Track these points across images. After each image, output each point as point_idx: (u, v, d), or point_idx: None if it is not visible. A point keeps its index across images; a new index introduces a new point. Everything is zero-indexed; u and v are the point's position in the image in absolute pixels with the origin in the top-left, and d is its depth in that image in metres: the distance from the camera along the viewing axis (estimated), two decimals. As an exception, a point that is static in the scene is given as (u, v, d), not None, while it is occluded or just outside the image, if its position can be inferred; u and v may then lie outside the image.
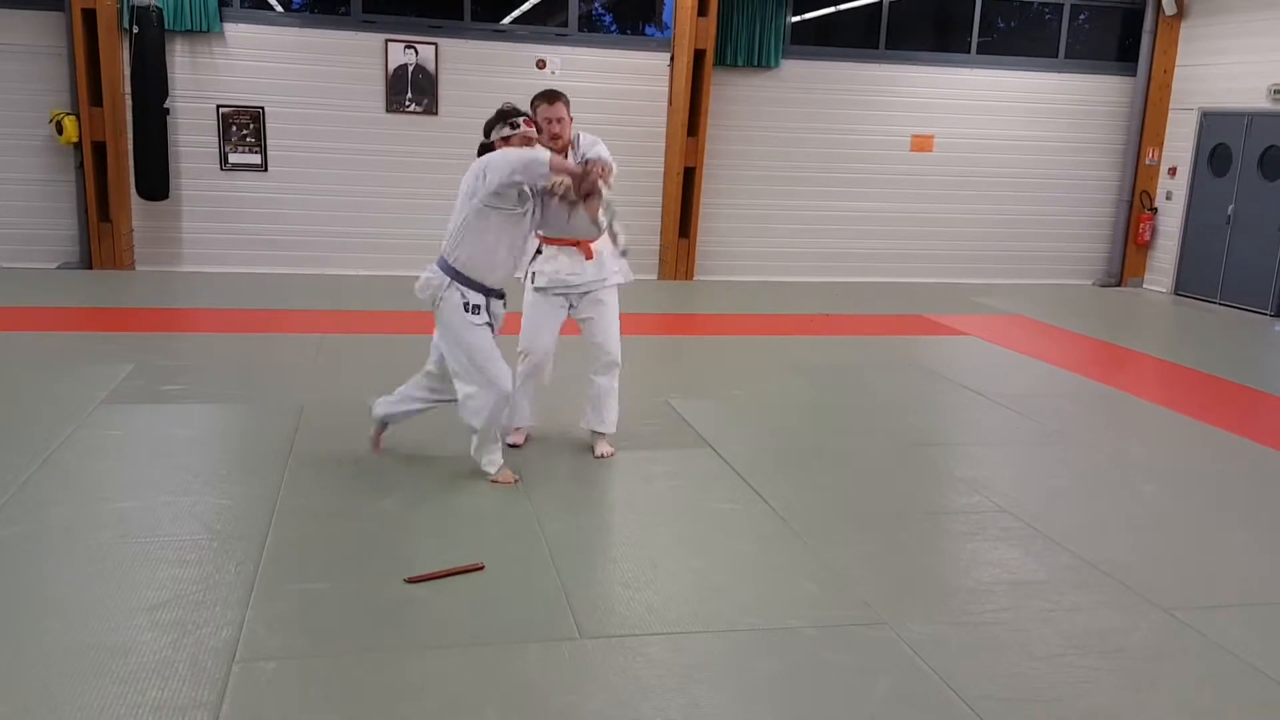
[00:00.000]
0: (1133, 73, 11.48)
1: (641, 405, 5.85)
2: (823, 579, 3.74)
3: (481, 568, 3.63)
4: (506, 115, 4.44)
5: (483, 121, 4.70)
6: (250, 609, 3.25)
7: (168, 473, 4.41)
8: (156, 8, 9.04)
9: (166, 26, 9.23)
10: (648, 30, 11.01)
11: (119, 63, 9.21)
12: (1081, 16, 11.59)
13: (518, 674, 2.98)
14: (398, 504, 4.21)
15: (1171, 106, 11.41)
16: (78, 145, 9.23)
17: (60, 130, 9.12)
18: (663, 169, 10.58)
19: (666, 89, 10.50)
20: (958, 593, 3.68)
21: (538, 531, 4.01)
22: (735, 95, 10.67)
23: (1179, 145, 11.35)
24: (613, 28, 11.00)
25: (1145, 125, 11.48)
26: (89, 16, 8.88)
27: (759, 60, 10.57)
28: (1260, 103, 10.29)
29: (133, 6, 8.98)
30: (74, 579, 3.42)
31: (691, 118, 10.27)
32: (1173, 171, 11.45)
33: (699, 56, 10.07)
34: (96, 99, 9.14)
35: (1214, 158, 10.97)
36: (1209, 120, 11.02)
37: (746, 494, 4.56)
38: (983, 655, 3.23)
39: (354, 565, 3.62)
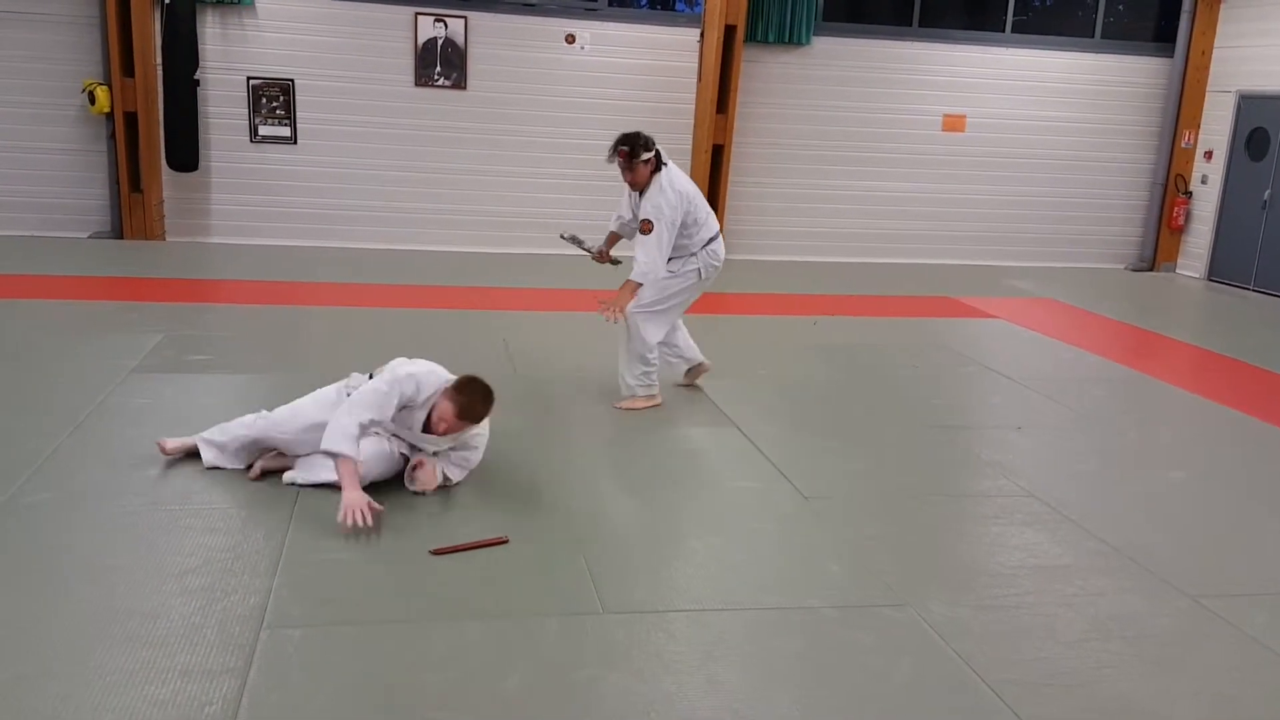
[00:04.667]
0: (1170, 54, 11.30)
1: (667, 383, 5.85)
2: (845, 559, 3.73)
3: (506, 541, 3.65)
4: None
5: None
6: (277, 577, 3.29)
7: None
8: (188, -22, 9.06)
9: (198, -2, 9.26)
10: (678, 5, 10.94)
11: (151, 33, 9.25)
12: (1119, -4, 11.41)
13: (540, 647, 3.00)
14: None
15: (1209, 89, 11.23)
16: (110, 115, 9.30)
17: (92, 100, 9.18)
18: (691, 146, 10.53)
19: (696, 65, 10.43)
20: (981, 576, 3.67)
21: (563, 507, 4.02)
22: (765, 72, 10.59)
23: (1216, 128, 11.18)
24: (644, 2, 10.93)
25: (1181, 107, 11.30)
26: (122, -14, 8.92)
27: (790, 37, 10.48)
28: (1301, 86, 10.11)
29: (165, -23, 9.01)
30: (104, 545, 3.47)
31: (721, 95, 10.20)
32: (1209, 155, 11.28)
33: (729, 32, 9.98)
34: (129, 69, 9.18)
35: (1251, 141, 10.79)
36: (1247, 103, 10.84)
37: (770, 473, 4.55)
38: (1006, 639, 3.22)
39: (378, 537, 3.65)
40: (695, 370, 5.82)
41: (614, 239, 5.72)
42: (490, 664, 2.89)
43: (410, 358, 4.14)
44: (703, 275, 5.39)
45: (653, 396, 5.46)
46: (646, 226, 5.14)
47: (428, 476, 3.99)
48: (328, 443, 3.74)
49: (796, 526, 4.02)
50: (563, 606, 3.25)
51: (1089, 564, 3.81)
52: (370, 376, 4.04)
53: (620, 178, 5.33)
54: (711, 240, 5.39)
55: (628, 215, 5.48)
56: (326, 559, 3.45)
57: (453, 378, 4.04)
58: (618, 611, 3.23)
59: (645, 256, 5.16)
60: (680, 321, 5.65)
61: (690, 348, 5.74)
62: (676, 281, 5.35)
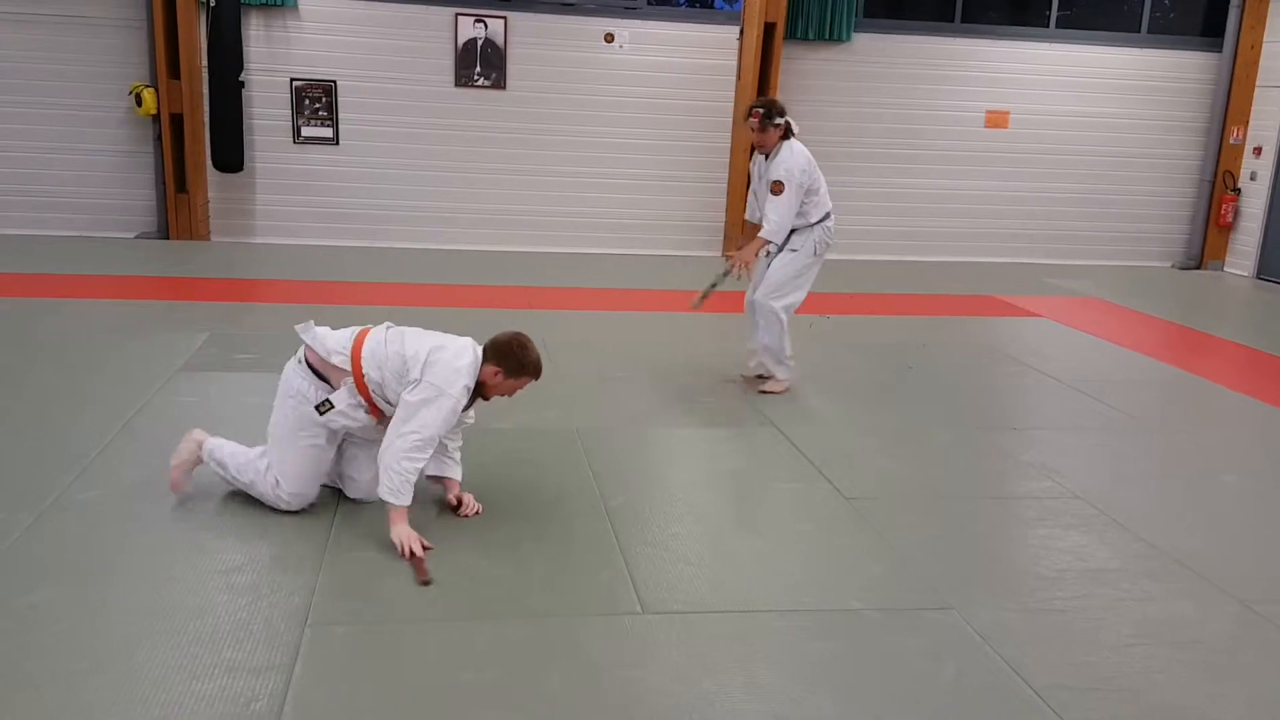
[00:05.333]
0: (1218, 49, 11.09)
1: (706, 383, 5.85)
2: (888, 561, 3.70)
3: (428, 583, 3.32)
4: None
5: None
6: (320, 575, 3.32)
7: (243, 440, 4.47)
8: (233, -18, 9.17)
9: (243, 0, 9.36)
10: (718, 3, 10.90)
11: (196, 36, 9.38)
12: (1166, -11, 11.23)
13: (579, 647, 3.01)
14: (460, 476, 4.25)
15: (1258, 84, 11.01)
16: (156, 117, 9.44)
17: (139, 102, 9.32)
18: (730, 144, 10.50)
19: (735, 63, 10.40)
20: (1027, 579, 3.63)
21: (601, 507, 4.02)
22: (806, 69, 10.53)
23: (1265, 124, 10.95)
24: (682, 1, 10.91)
25: (1230, 103, 11.08)
26: (168, -10, 9.05)
27: (831, 34, 10.41)
28: (1355, 80, 9.89)
29: (210, -19, 9.13)
30: (151, 543, 3.52)
31: (760, 92, 10.13)
32: (1258, 151, 11.06)
33: (769, 30, 9.94)
34: (175, 72, 9.32)
35: (1303, 137, 10.58)
36: (1299, 98, 10.62)
37: (810, 474, 4.53)
38: (1052, 643, 3.18)
39: (419, 534, 3.66)
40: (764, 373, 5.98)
41: (752, 230, 5.88)
42: (531, 663, 2.90)
43: (397, 326, 3.80)
44: (818, 251, 5.68)
45: (787, 382, 5.75)
46: (777, 187, 5.44)
47: (470, 504, 3.90)
48: (390, 494, 3.50)
49: (837, 527, 3.99)
50: (602, 606, 3.26)
51: (1137, 567, 3.74)
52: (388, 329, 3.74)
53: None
54: (826, 217, 5.68)
55: (753, 201, 5.84)
56: (368, 557, 3.47)
57: (474, 347, 3.74)
58: (657, 612, 3.23)
59: (775, 215, 5.47)
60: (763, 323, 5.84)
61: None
62: (799, 258, 5.64)
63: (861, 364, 6.52)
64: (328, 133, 9.99)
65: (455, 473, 3.93)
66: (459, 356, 3.65)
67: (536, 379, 3.81)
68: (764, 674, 2.91)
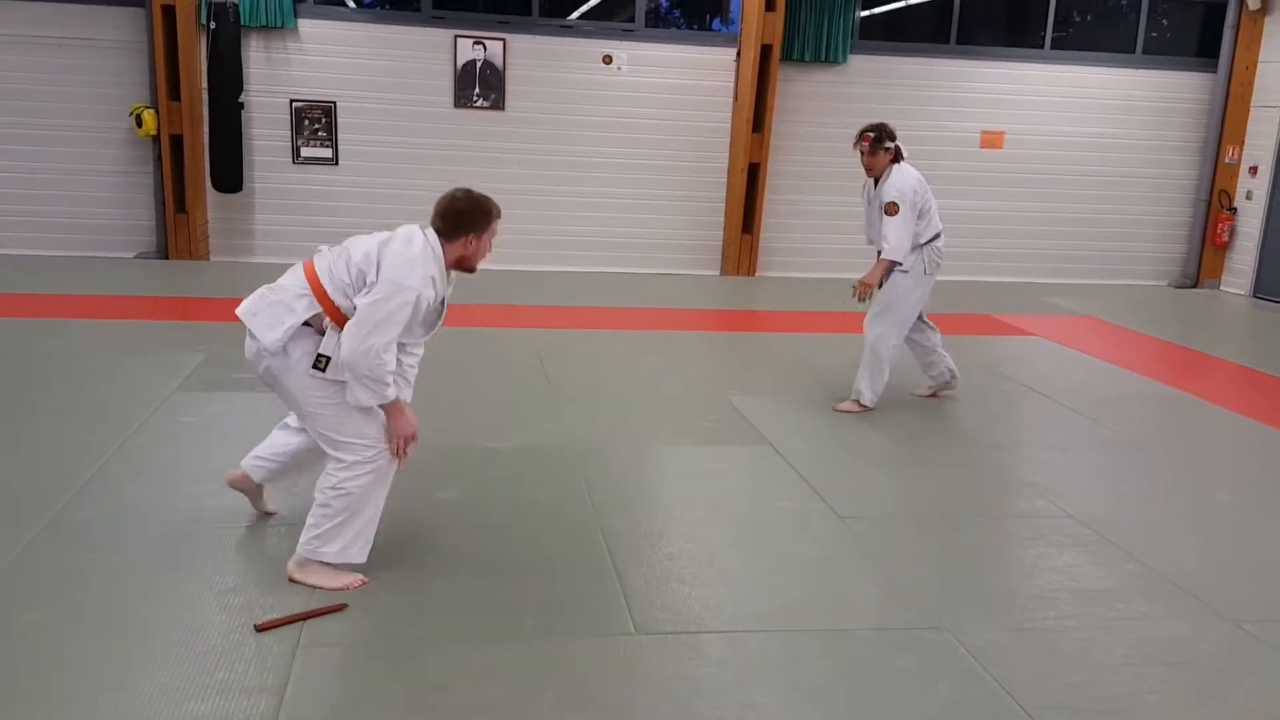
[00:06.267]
0: (1213, 69, 11.17)
1: (702, 401, 5.87)
2: (881, 581, 3.71)
3: (344, 608, 3.24)
4: None
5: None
6: (315, 595, 3.32)
7: (238, 459, 4.51)
8: (233, 4, 9.25)
9: (242, 22, 9.44)
10: (715, 25, 10.98)
11: (196, 58, 9.45)
12: (1165, 11, 11.29)
13: (574, 667, 3.01)
14: (458, 495, 4.27)
15: (1253, 104, 11.08)
16: (156, 138, 9.50)
17: (139, 123, 9.38)
18: (727, 165, 10.56)
19: (732, 85, 10.47)
20: (1019, 598, 3.63)
21: (595, 526, 4.04)
22: (802, 91, 10.60)
23: (1260, 143, 11.02)
24: (680, 22, 10.99)
25: (1225, 123, 11.16)
26: (169, 12, 9.11)
27: (826, 55, 10.49)
28: (1348, 100, 9.95)
29: (210, 3, 9.20)
30: (147, 562, 3.53)
31: (757, 113, 10.22)
32: (1253, 170, 11.12)
33: (765, 52, 10.02)
34: (175, 93, 9.38)
35: (1297, 157, 10.63)
36: (1293, 118, 10.68)
37: (805, 493, 4.54)
38: (1044, 663, 3.18)
39: (414, 555, 3.68)
40: (943, 387, 6.15)
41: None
42: (524, 684, 2.90)
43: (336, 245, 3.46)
44: (927, 270, 5.74)
45: (868, 406, 5.82)
46: (892, 208, 5.54)
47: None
48: (371, 398, 3.21)
49: (832, 547, 4.00)
50: (596, 627, 3.26)
51: (1130, 587, 3.75)
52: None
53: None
54: (935, 237, 5.74)
55: (868, 227, 5.92)
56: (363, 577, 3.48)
57: (420, 230, 3.41)
58: (651, 632, 3.23)
59: (894, 235, 5.55)
60: (938, 339, 6.02)
61: (945, 359, 6.06)
62: (907, 280, 5.69)
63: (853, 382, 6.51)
64: (327, 153, 10.05)
65: (406, 394, 3.56)
66: (409, 244, 3.30)
67: (500, 216, 3.48)
68: (758, 695, 2.92)
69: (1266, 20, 10.90)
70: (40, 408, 5.18)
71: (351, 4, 10.14)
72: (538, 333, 7.46)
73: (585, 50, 10.27)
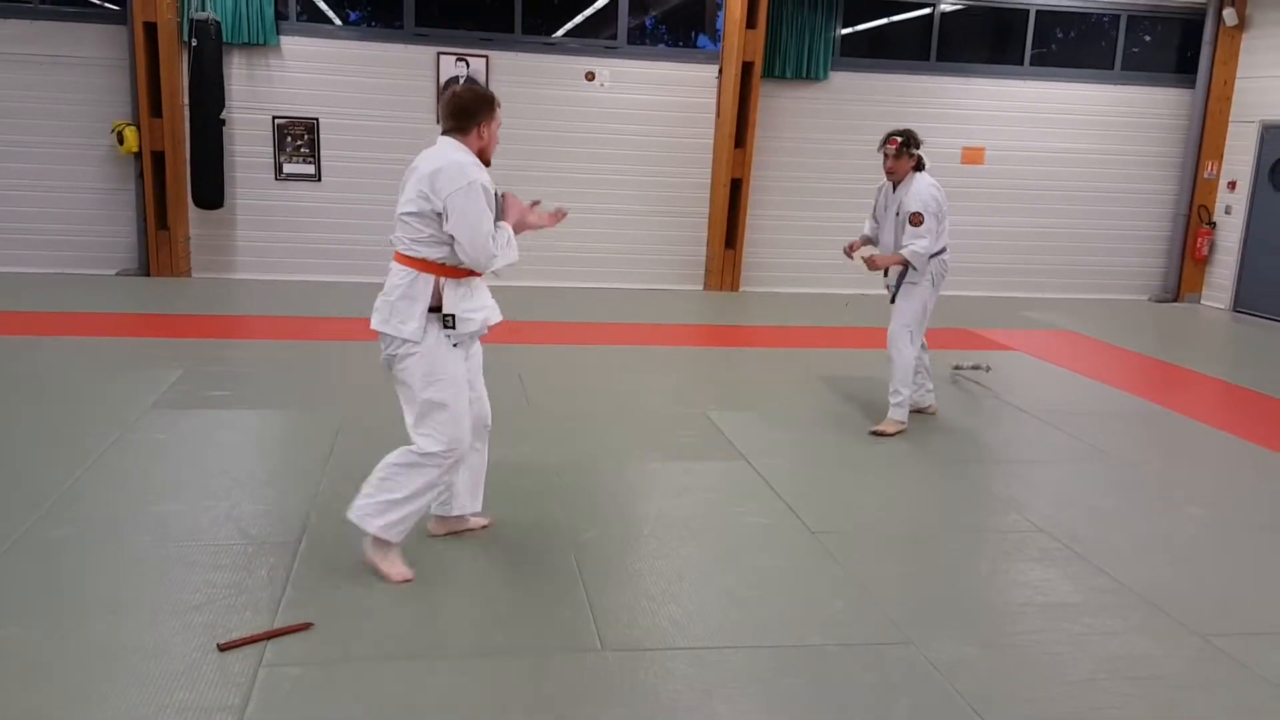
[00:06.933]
0: (1191, 84, 11.26)
1: (679, 417, 5.87)
2: (851, 596, 3.71)
3: (309, 626, 3.24)
4: None
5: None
6: (279, 614, 3.31)
7: (209, 477, 4.51)
8: (215, 21, 9.25)
9: (224, 40, 9.45)
10: (700, 40, 11.03)
11: (178, 75, 9.45)
12: (1143, 28, 11.39)
13: (539, 684, 3.00)
14: (428, 513, 4.25)
15: (1231, 119, 11.18)
16: (138, 155, 9.48)
17: (121, 140, 9.37)
18: (710, 180, 10.59)
19: (715, 101, 10.51)
20: (988, 613, 3.64)
21: (568, 543, 4.03)
22: (784, 107, 10.65)
23: (1239, 158, 11.11)
24: (665, 38, 11.04)
25: (1204, 138, 11.25)
26: (150, 30, 9.12)
27: (808, 72, 10.55)
28: (1324, 115, 10.03)
29: (192, 20, 9.21)
30: (114, 581, 3.51)
31: (739, 130, 10.26)
32: (1232, 185, 11.20)
33: (747, 69, 10.07)
34: (156, 110, 9.38)
35: (1275, 171, 10.71)
36: (1270, 133, 10.76)
37: (779, 508, 4.54)
38: (1011, 678, 3.18)
39: (405, 567, 3.66)
40: (925, 408, 6.22)
41: (866, 241, 6.14)
42: (489, 702, 2.89)
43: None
44: (935, 282, 5.83)
45: (903, 423, 5.81)
46: (917, 219, 5.59)
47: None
48: (504, 260, 3.63)
49: (803, 562, 4.00)
50: (563, 643, 3.25)
51: (1099, 602, 3.76)
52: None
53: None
54: (943, 250, 5.79)
55: (871, 225, 6.05)
56: (328, 596, 3.46)
57: (440, 140, 3.70)
58: (617, 649, 3.22)
59: (919, 241, 5.59)
60: (927, 359, 6.14)
61: (929, 382, 6.21)
62: (918, 291, 5.78)
63: (834, 396, 6.54)
64: (310, 169, 10.05)
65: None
66: (440, 155, 3.58)
67: (500, 104, 3.79)
68: (723, 712, 2.91)
69: (1244, 36, 11.00)
70: (12, 425, 5.15)
71: (336, 21, 10.16)
72: (519, 347, 7.45)
73: (568, 67, 10.30)
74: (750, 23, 9.94)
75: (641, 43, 10.67)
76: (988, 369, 7.19)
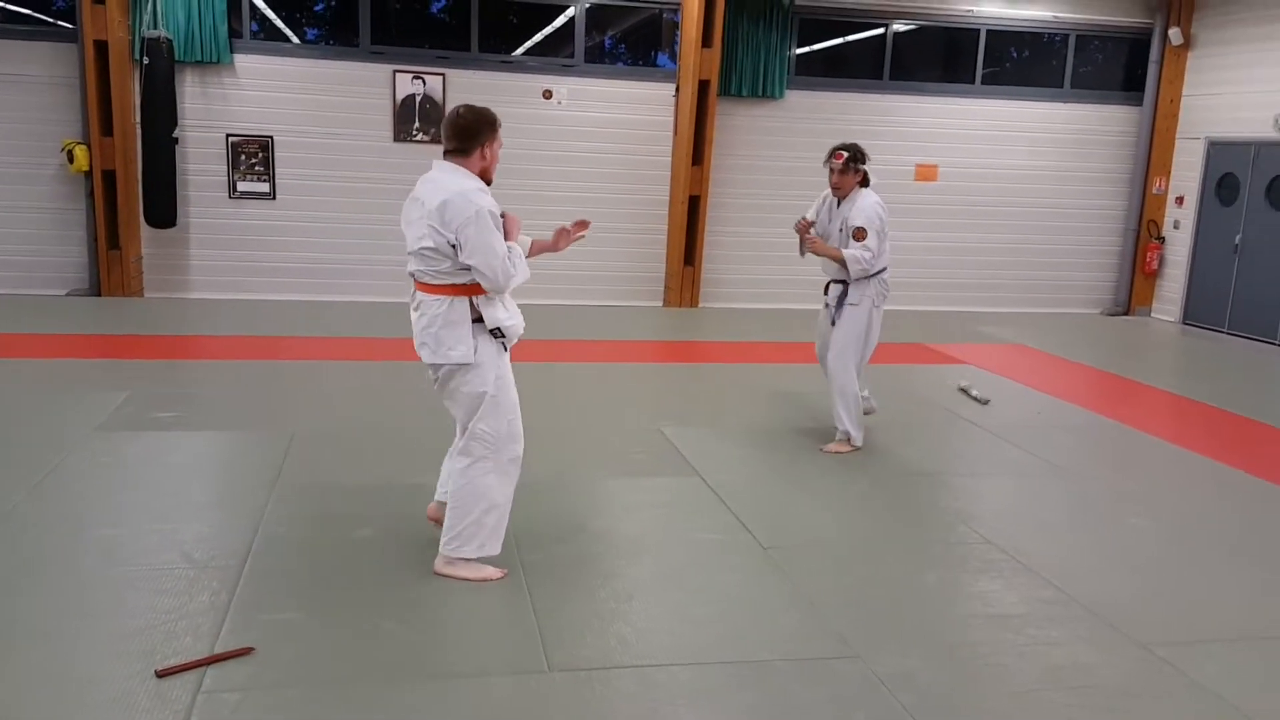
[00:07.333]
0: (1139, 102, 11.48)
1: (634, 433, 5.87)
2: (800, 611, 3.72)
3: (250, 651, 3.20)
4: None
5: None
6: (220, 639, 3.26)
7: (153, 500, 4.45)
8: (167, 39, 9.18)
9: (177, 58, 9.37)
10: (659, 59, 11.08)
11: (130, 93, 9.36)
12: (1092, 47, 11.59)
13: (485, 707, 2.98)
14: (374, 534, 4.22)
15: (1178, 136, 11.41)
16: (88, 174, 9.37)
17: (71, 159, 9.26)
18: (668, 198, 10.64)
19: (672, 119, 10.57)
20: (934, 626, 3.66)
21: (516, 562, 4.01)
22: (740, 125, 10.73)
23: (1186, 174, 11.32)
24: (622, 57, 11.08)
25: (1152, 154, 11.46)
26: (101, 48, 9.02)
27: (763, 91, 10.63)
28: (1267, 132, 10.25)
29: (144, 38, 9.13)
30: (54, 607, 3.44)
31: (696, 147, 10.32)
32: (1180, 200, 11.41)
33: (703, 87, 10.14)
34: (107, 129, 9.27)
35: (1221, 187, 10.93)
36: (1216, 149, 10.99)
37: (731, 524, 4.55)
38: (954, 690, 3.21)
39: (327, 596, 3.63)
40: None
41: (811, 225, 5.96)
42: (430, 724, 2.87)
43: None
44: (875, 303, 5.77)
45: (857, 446, 5.80)
46: (860, 234, 5.56)
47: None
48: (519, 280, 3.70)
49: (753, 578, 4.01)
50: (508, 664, 3.23)
51: (1043, 613, 3.79)
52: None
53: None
54: (883, 270, 5.75)
55: (812, 217, 5.91)
56: (271, 619, 3.42)
57: (438, 166, 3.74)
58: (563, 669, 3.21)
59: (864, 253, 5.57)
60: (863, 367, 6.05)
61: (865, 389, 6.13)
62: (859, 312, 5.73)
63: (789, 411, 6.57)
64: (264, 188, 9.98)
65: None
66: (443, 183, 3.62)
67: (501, 124, 3.79)
68: (666, 730, 2.90)
69: (1189, 55, 11.24)
70: (-47, 450, 5.05)
71: (294, 39, 10.10)
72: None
73: (526, 85, 10.32)
74: (706, 42, 10.02)
75: (600, 61, 10.71)
76: (986, 402, 7.08)
